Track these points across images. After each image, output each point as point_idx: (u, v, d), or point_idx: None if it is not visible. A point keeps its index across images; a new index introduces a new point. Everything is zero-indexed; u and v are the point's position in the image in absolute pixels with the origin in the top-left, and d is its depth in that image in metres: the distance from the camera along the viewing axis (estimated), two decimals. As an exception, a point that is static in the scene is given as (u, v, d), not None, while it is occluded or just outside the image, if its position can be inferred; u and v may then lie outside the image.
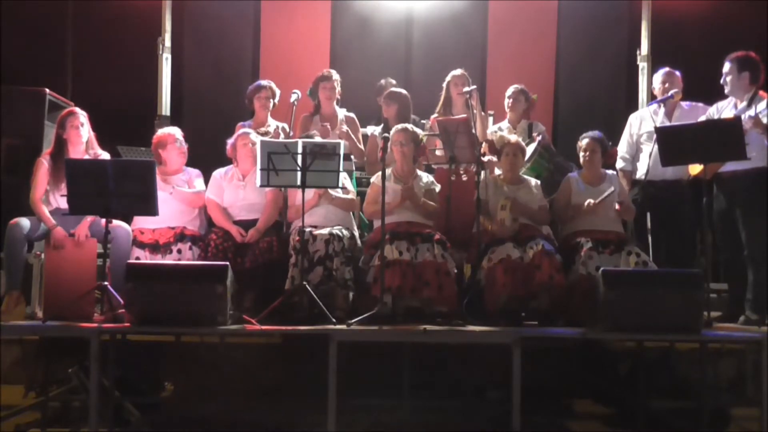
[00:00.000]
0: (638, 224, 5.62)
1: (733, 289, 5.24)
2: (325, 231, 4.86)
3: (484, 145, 5.43)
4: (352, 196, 5.22)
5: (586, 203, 5.03)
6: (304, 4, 7.60)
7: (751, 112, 5.01)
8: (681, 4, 7.36)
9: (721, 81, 5.20)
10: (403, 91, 5.98)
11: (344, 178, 5.11)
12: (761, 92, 5.15)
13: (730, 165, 5.01)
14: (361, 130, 6.04)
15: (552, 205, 5.30)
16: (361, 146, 5.92)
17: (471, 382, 5.08)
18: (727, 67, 5.17)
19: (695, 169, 5.20)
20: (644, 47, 7.25)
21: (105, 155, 5.09)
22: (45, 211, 4.84)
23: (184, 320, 4.36)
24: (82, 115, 5.03)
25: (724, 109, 5.24)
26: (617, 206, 5.07)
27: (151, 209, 4.61)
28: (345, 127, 5.78)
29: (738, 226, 5.10)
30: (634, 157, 5.63)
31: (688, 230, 5.49)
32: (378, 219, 4.79)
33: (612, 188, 5.10)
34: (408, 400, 4.87)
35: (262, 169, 4.65)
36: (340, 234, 4.86)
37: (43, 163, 4.97)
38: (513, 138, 5.25)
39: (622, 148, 5.68)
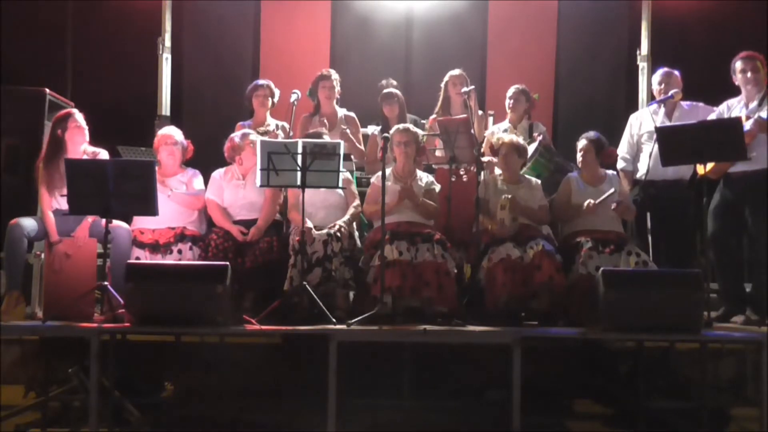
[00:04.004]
0: (638, 224, 5.62)
1: (728, 287, 5.22)
2: (324, 232, 4.85)
3: (484, 145, 5.44)
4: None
5: (585, 204, 5.02)
6: (304, 4, 7.60)
7: (762, 113, 4.99)
8: (681, 4, 7.36)
9: (735, 82, 5.18)
10: (398, 91, 5.99)
11: (351, 183, 5.17)
12: None
13: (741, 165, 4.99)
14: (362, 130, 6.04)
15: (552, 205, 5.30)
16: (361, 146, 5.92)
17: (471, 382, 5.08)
18: (738, 65, 5.14)
19: (703, 169, 5.17)
20: (644, 47, 7.25)
21: (104, 153, 5.08)
22: (52, 222, 4.81)
23: (184, 320, 4.37)
24: (81, 116, 5.03)
25: (734, 108, 5.22)
26: (614, 205, 5.06)
27: (150, 209, 4.60)
28: (344, 127, 5.78)
29: (740, 224, 5.10)
30: (635, 157, 5.63)
31: (688, 230, 5.48)
32: (378, 219, 4.79)
33: (612, 189, 5.09)
34: (408, 400, 4.88)
35: (262, 169, 4.65)
36: (338, 235, 4.86)
37: (41, 168, 4.96)
38: (507, 138, 5.25)
39: (623, 149, 5.68)
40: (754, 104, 5.12)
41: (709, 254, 5.23)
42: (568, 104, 7.54)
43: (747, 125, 4.92)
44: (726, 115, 5.19)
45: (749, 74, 5.11)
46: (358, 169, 5.88)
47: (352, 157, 5.78)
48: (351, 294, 4.86)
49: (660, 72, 5.61)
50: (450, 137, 5.11)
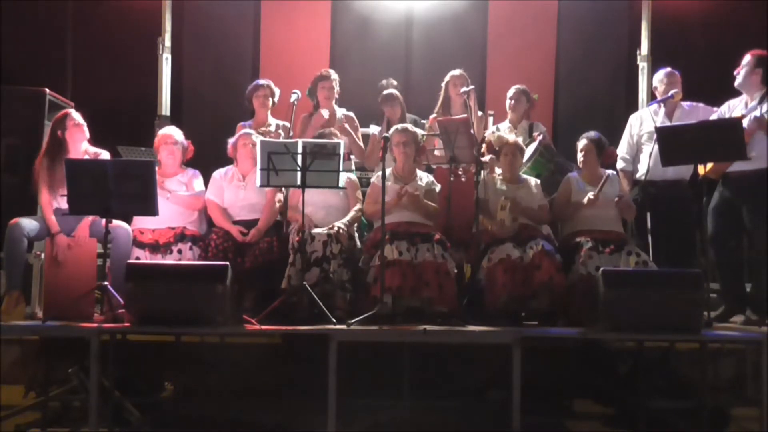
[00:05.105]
0: (638, 224, 5.62)
1: (728, 286, 5.22)
2: (323, 232, 4.85)
3: (483, 145, 5.43)
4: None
5: (586, 198, 5.03)
6: (304, 4, 7.61)
7: (756, 113, 4.99)
8: (681, 3, 7.37)
9: (735, 72, 5.18)
10: (398, 92, 5.99)
11: (357, 189, 5.20)
12: None
13: (739, 165, 5.00)
14: (363, 129, 6.04)
15: (552, 205, 5.30)
16: (361, 143, 5.91)
17: (471, 382, 5.08)
18: (746, 60, 5.15)
19: (704, 169, 5.18)
20: (644, 47, 7.26)
21: (104, 154, 5.09)
22: (52, 216, 4.82)
23: (184, 320, 4.37)
24: (78, 114, 5.05)
25: (736, 108, 5.22)
26: (616, 199, 5.06)
27: (150, 209, 4.60)
28: (345, 125, 5.77)
29: (739, 223, 5.10)
30: (635, 157, 5.63)
31: (688, 230, 5.48)
32: (378, 219, 4.79)
33: (608, 173, 5.10)
34: (408, 400, 4.88)
35: (262, 169, 4.65)
36: (337, 236, 4.85)
37: (42, 166, 4.96)
38: (511, 138, 5.25)
39: (623, 149, 5.68)
40: (753, 103, 5.12)
41: (710, 254, 5.23)
42: (568, 104, 7.54)
43: (743, 123, 4.92)
44: (727, 116, 5.19)
45: (750, 73, 5.11)
46: (358, 169, 5.89)
47: (352, 157, 5.78)
48: (348, 296, 4.84)
49: (662, 72, 5.61)
50: (450, 137, 5.10)
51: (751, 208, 5.04)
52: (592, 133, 5.29)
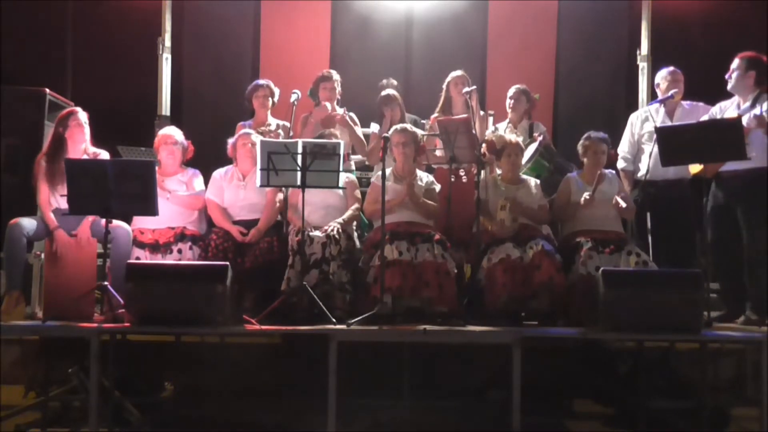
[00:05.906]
0: (638, 224, 5.62)
1: (729, 288, 5.22)
2: (322, 234, 4.85)
3: (483, 145, 5.43)
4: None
5: (582, 198, 5.02)
6: (304, 4, 7.61)
7: (756, 111, 5.00)
8: (681, 3, 7.37)
9: (726, 75, 5.19)
10: (397, 93, 5.98)
11: (356, 189, 5.19)
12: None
13: (732, 164, 5.00)
14: (365, 129, 6.03)
15: (552, 205, 5.30)
16: (362, 137, 5.90)
17: (471, 382, 5.08)
18: (735, 63, 5.16)
19: (695, 168, 5.20)
20: (644, 47, 7.27)
21: (104, 154, 5.09)
22: (50, 213, 4.83)
23: (184, 320, 4.37)
24: (84, 115, 5.05)
25: (727, 109, 5.23)
26: (615, 200, 5.04)
27: (150, 209, 4.60)
28: (346, 117, 5.76)
29: (736, 225, 5.10)
30: (636, 156, 5.63)
31: (688, 230, 5.48)
32: (378, 219, 4.79)
33: (603, 172, 5.06)
34: (408, 400, 4.88)
35: (262, 169, 4.65)
36: (337, 236, 4.86)
37: (41, 164, 4.96)
38: (513, 138, 5.25)
39: (624, 148, 5.68)
40: (746, 105, 5.13)
41: (710, 256, 5.22)
42: (568, 104, 7.54)
43: (743, 121, 4.92)
44: (719, 117, 5.20)
45: (742, 76, 5.11)
46: (358, 169, 5.88)
47: (353, 157, 5.78)
48: (348, 297, 4.84)
49: (666, 70, 5.60)
50: (450, 137, 5.10)
51: (746, 208, 5.04)
52: (601, 134, 5.27)
